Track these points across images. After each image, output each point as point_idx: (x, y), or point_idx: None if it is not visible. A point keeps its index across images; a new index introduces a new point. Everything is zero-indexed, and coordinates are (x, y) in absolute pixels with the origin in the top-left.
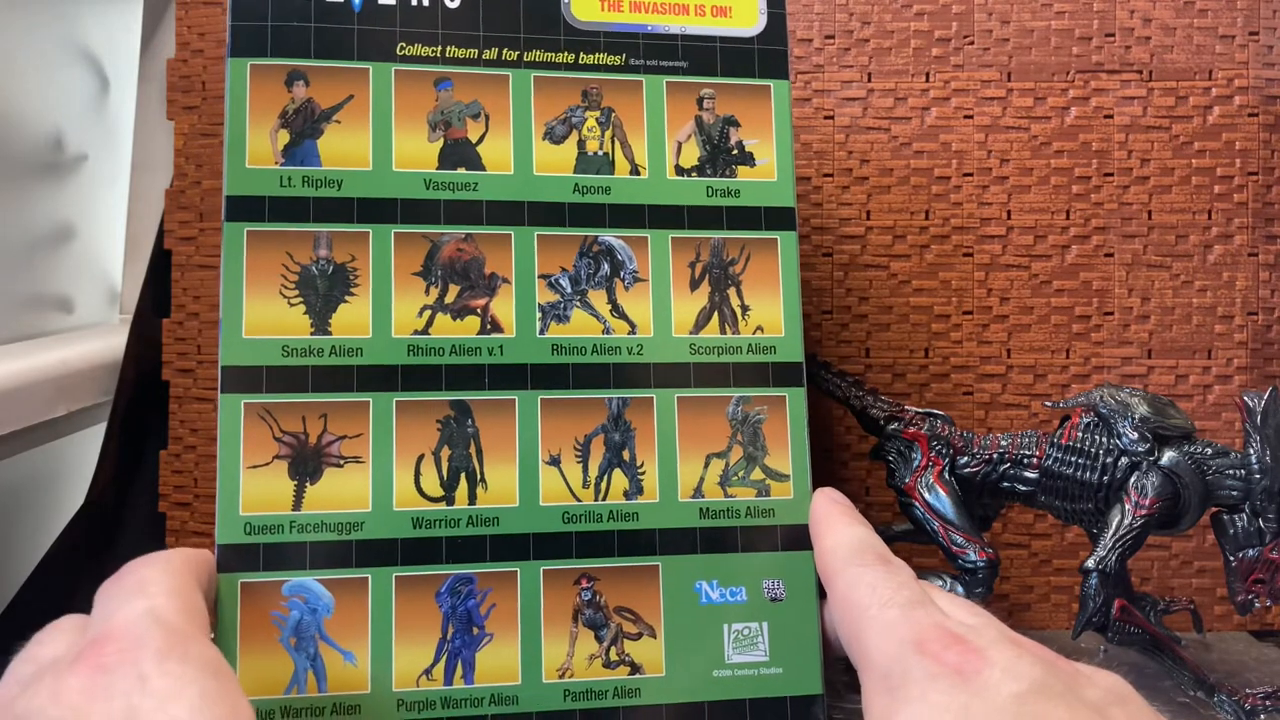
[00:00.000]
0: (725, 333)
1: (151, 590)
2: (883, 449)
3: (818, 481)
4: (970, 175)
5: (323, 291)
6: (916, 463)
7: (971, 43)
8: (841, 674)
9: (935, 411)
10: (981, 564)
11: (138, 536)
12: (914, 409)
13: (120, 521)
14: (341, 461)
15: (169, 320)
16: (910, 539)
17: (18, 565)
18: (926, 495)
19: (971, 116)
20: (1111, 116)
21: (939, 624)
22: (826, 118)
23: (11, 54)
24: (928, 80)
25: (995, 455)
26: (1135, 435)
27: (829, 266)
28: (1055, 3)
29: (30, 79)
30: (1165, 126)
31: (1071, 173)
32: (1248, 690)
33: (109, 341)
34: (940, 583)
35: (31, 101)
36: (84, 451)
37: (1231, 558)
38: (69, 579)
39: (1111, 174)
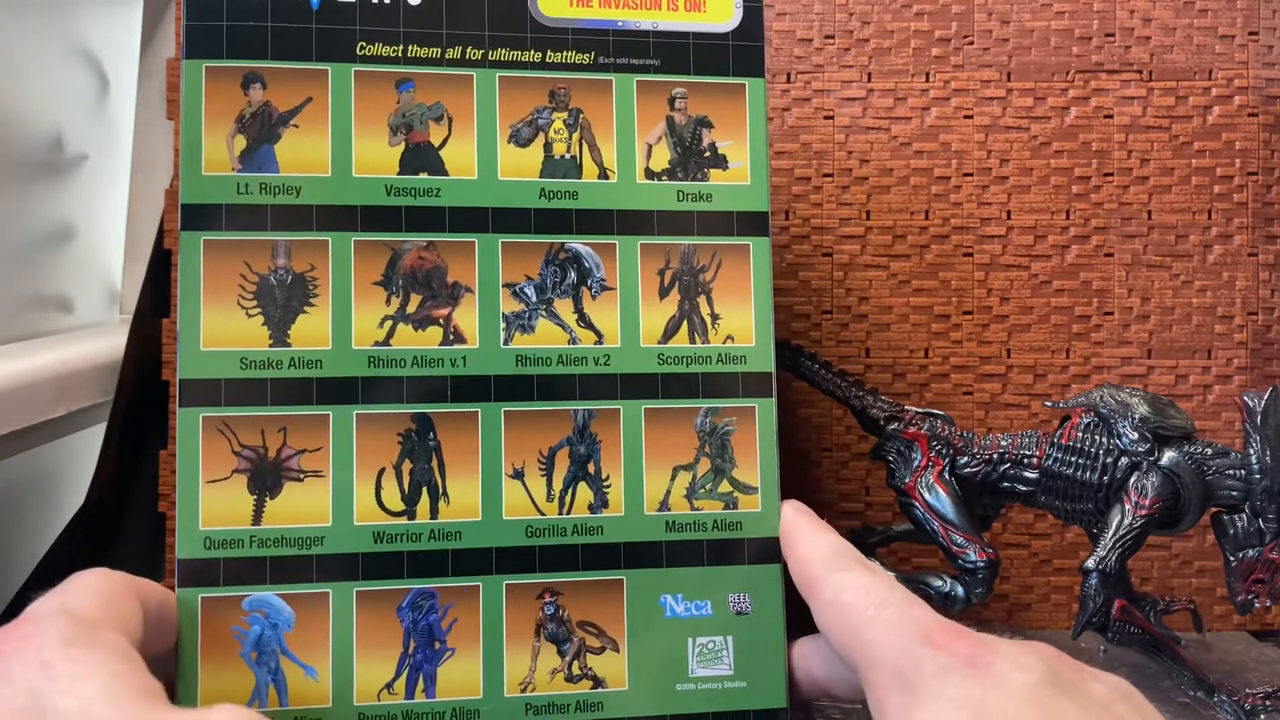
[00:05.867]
0: (695, 342)
1: (70, 589)
2: (883, 449)
3: (819, 481)
4: (970, 175)
5: (281, 302)
6: (916, 463)
7: (971, 43)
8: None
9: (935, 411)
10: (981, 564)
11: (138, 536)
12: (914, 409)
13: (120, 521)
14: (301, 475)
15: (169, 320)
16: (910, 539)
17: (18, 565)
18: (926, 495)
19: (971, 116)
20: (1111, 116)
21: (939, 619)
22: (826, 118)
23: (11, 54)
24: (928, 80)
25: (995, 455)
26: (1135, 435)
27: (829, 266)
28: (1055, 3)
29: (30, 79)
30: (1165, 126)
31: (1071, 173)
32: (1248, 690)
33: (109, 341)
34: (940, 583)
35: (31, 101)
36: (84, 451)
37: (1231, 558)
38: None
39: (1111, 174)
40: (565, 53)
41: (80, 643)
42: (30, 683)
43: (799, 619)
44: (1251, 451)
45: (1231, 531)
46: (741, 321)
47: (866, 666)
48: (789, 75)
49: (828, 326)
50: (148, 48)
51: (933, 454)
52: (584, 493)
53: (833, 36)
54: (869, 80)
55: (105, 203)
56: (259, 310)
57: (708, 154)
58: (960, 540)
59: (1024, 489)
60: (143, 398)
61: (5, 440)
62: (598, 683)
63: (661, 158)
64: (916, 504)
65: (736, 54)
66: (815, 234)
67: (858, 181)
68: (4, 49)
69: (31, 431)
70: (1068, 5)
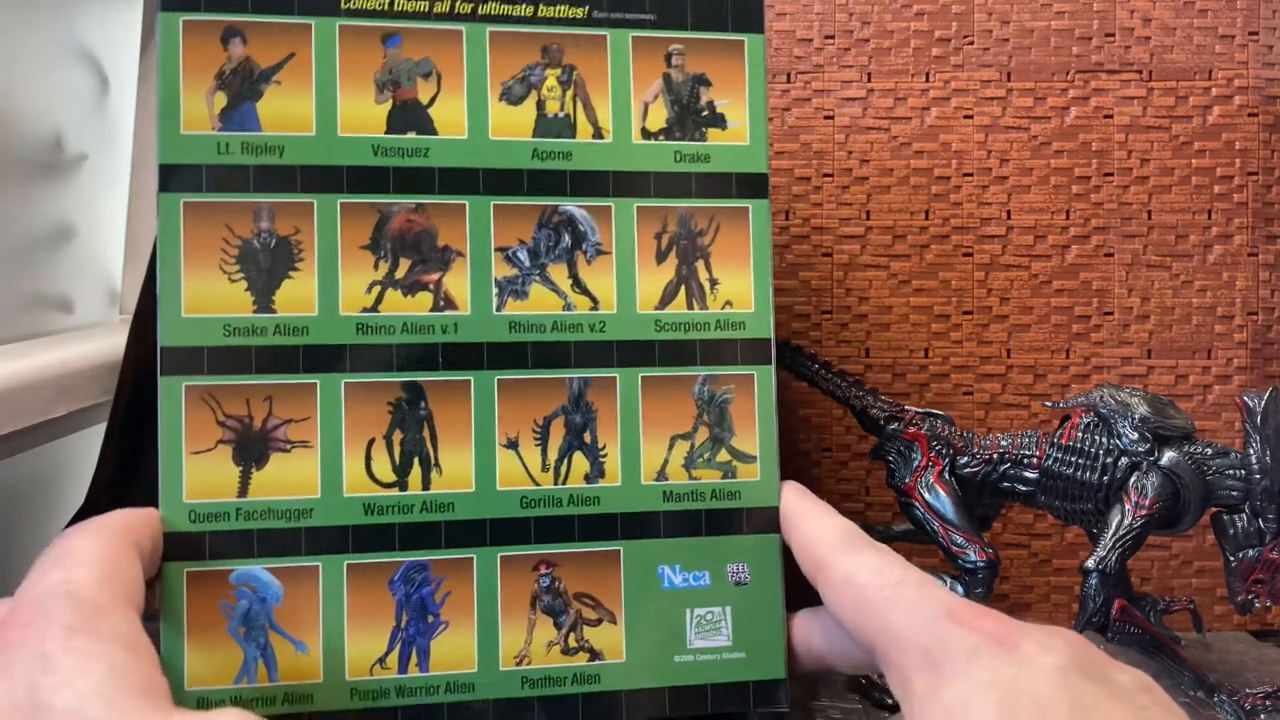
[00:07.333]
0: (692, 308)
1: (71, 560)
2: (883, 449)
3: (819, 481)
4: (970, 175)
5: (265, 266)
6: (916, 463)
7: (971, 43)
8: (838, 673)
9: (935, 411)
10: (981, 564)
11: None
12: (914, 409)
13: None
14: (288, 446)
15: None
16: (910, 539)
17: (18, 565)
18: (926, 495)
19: (971, 116)
20: (1111, 116)
21: (959, 597)
22: (826, 118)
23: (11, 54)
24: (928, 80)
25: (995, 455)
26: (1135, 435)
27: (829, 266)
28: (1055, 3)
29: (30, 79)
30: (1165, 126)
31: (1071, 173)
32: (1248, 690)
33: (109, 341)
34: (940, 583)
35: (31, 101)
36: (84, 451)
37: (1231, 558)
38: None
39: (1111, 174)
40: (558, 6)
41: (84, 630)
42: (29, 676)
43: (797, 590)
44: (1251, 451)
45: (1231, 531)
46: (740, 287)
47: (887, 647)
48: (789, 75)
49: (828, 326)
50: (148, 48)
51: (933, 454)
52: (580, 462)
53: (833, 36)
54: (869, 80)
55: (105, 203)
56: (242, 275)
57: (706, 113)
58: (960, 540)
59: (1024, 489)
60: (143, 398)
61: (5, 440)
62: (595, 655)
63: (658, 117)
64: (916, 504)
65: (735, 8)
66: (815, 234)
67: (858, 181)
68: (4, 49)
69: (31, 431)
70: (1068, 5)
